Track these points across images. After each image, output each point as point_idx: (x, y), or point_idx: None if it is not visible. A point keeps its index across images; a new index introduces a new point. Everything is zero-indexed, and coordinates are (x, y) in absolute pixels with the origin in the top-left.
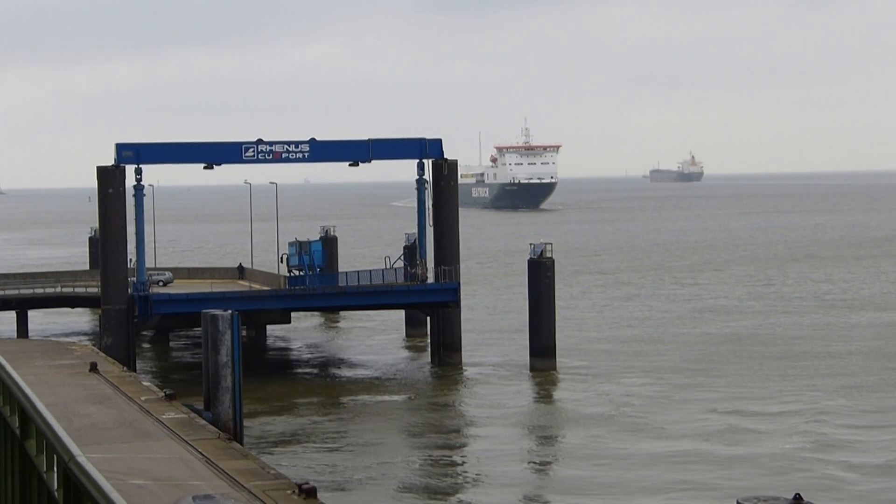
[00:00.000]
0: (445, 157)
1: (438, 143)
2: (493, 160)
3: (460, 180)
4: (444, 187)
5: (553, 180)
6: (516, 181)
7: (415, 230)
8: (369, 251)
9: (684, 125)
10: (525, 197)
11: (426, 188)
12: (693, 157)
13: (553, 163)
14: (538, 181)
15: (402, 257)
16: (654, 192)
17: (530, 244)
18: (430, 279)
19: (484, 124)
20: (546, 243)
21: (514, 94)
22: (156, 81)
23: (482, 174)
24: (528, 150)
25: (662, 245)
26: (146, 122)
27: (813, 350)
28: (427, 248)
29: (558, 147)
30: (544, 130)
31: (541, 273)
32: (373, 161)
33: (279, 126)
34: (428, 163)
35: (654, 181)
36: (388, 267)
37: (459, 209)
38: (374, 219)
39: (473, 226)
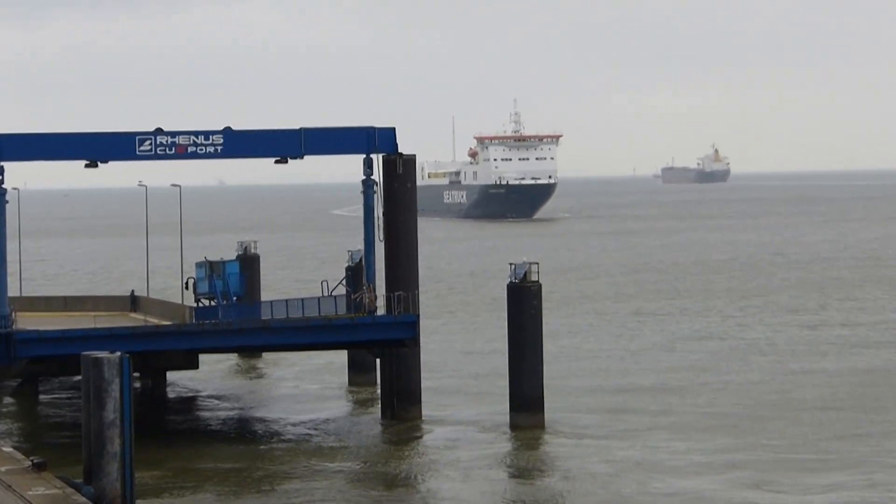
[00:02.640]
0: (401, 150)
1: (391, 132)
2: (473, 154)
3: (428, 181)
4: (398, 190)
5: (552, 180)
6: (503, 181)
7: (361, 246)
8: (301, 274)
9: (706, 111)
10: (515, 202)
11: (375, 192)
12: (717, 151)
13: (552, 158)
14: (532, 181)
15: (344, 282)
16: (668, 195)
17: (510, 264)
18: (381, 310)
19: (460, 108)
20: (531, 263)
21: (500, 70)
22: (29, 53)
23: (458, 173)
24: (520, 141)
25: (683, 265)
26: (19, 106)
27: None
28: (377, 270)
29: (558, 137)
30: (538, 116)
31: (524, 301)
32: (306, 157)
33: (187, 112)
34: (378, 158)
35: (668, 181)
36: (325, 294)
37: (428, 219)
38: (308, 231)
39: (442, 240)
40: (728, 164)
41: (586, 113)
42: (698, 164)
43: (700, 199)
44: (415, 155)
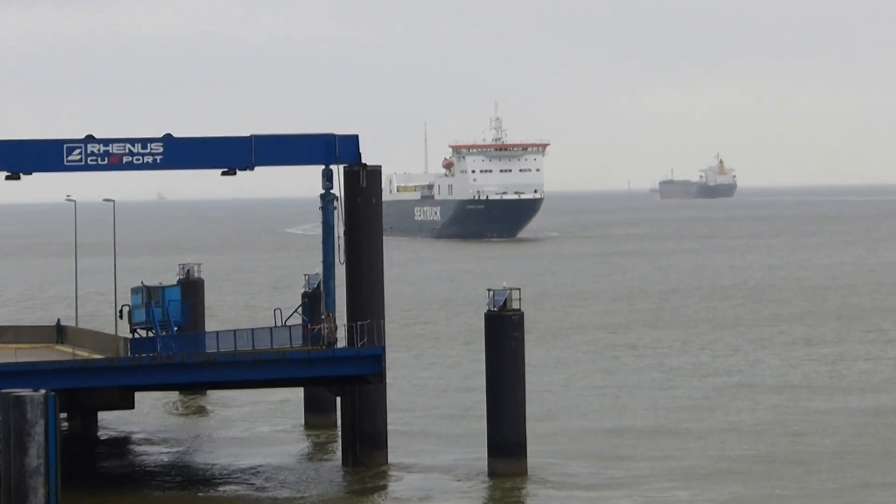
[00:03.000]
0: (365, 161)
1: (353, 140)
2: (448, 166)
3: (397, 195)
4: (362, 206)
5: (537, 195)
6: (483, 196)
7: (319, 270)
8: (251, 300)
9: (709, 116)
10: (496, 220)
11: (336, 207)
12: (721, 162)
13: (537, 169)
14: (515, 196)
15: (300, 310)
16: (667, 211)
17: (489, 290)
18: (342, 342)
19: (433, 113)
20: (512, 289)
21: (478, 69)
22: None
23: (430, 186)
24: (501, 150)
25: (684, 291)
26: None
27: None
28: (337, 297)
29: (544, 146)
30: (522, 122)
31: (504, 332)
32: (257, 168)
33: (123, 116)
34: (339, 170)
35: (667, 196)
36: (279, 324)
37: (396, 238)
38: (260, 252)
39: (411, 263)
40: (734, 176)
41: (576, 118)
42: (700, 176)
43: (703, 216)
44: (380, 166)
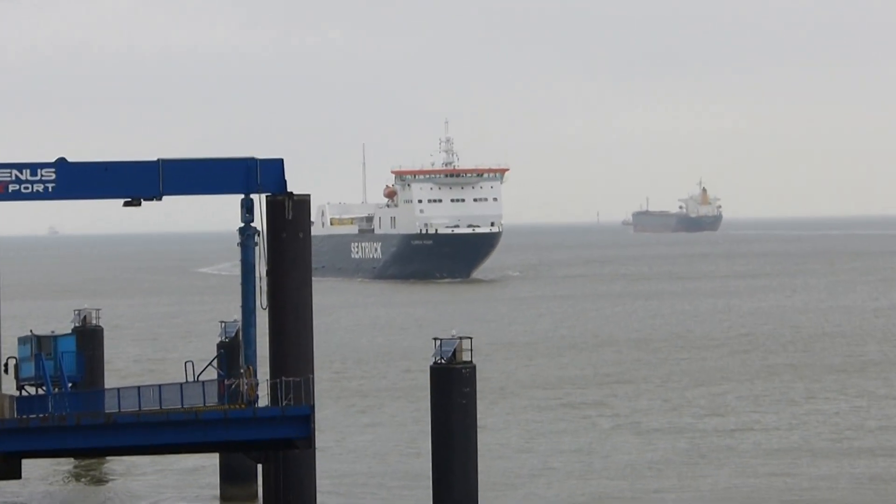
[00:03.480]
0: (291, 189)
1: (277, 165)
2: (391, 195)
3: (331, 229)
4: (288, 241)
5: (495, 228)
6: (431, 230)
7: (237, 316)
8: (158, 352)
9: (690, 136)
10: (446, 257)
11: (257, 243)
12: (704, 190)
13: (495, 199)
14: (469, 230)
15: (216, 362)
16: (643, 247)
17: (435, 340)
18: (263, 400)
19: (372, 134)
20: (463, 338)
21: (426, 82)
22: None
23: (370, 219)
24: (453, 176)
25: (663, 340)
26: None
27: None
28: (259, 347)
29: (503, 172)
30: (478, 144)
31: (453, 387)
32: (165, 197)
33: (11, 138)
34: (260, 200)
35: (642, 230)
36: (190, 380)
37: (330, 279)
38: (168, 296)
39: (347, 307)
40: (719, 207)
41: (538, 140)
42: (681, 207)
43: (684, 252)
44: (309, 195)
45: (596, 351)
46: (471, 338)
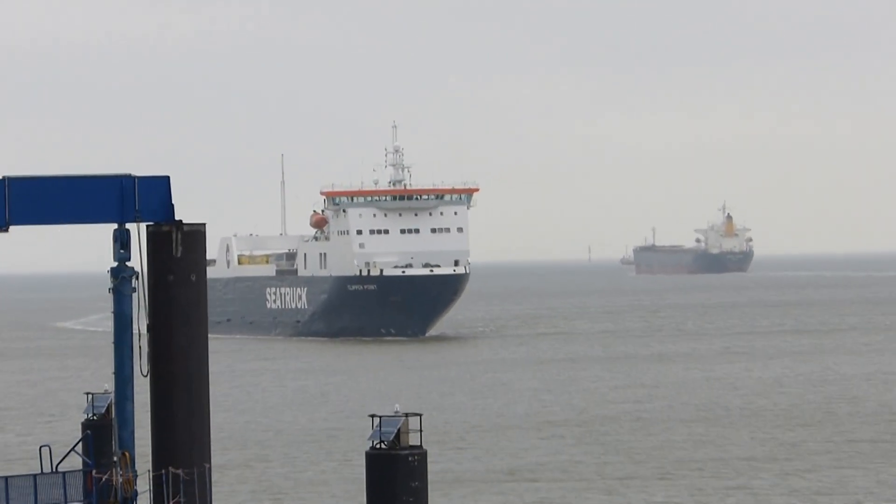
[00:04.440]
0: (180, 217)
1: (162, 185)
2: (320, 224)
3: (238, 269)
4: (176, 287)
5: (460, 269)
6: (376, 271)
7: (109, 386)
8: (4, 434)
9: (708, 154)
10: (397, 307)
11: (135, 289)
12: (730, 218)
13: (460, 229)
14: (427, 272)
15: (80, 447)
16: (647, 294)
17: (373, 417)
18: (143, 498)
19: (294, 142)
20: (410, 415)
21: (366, 76)
22: None
23: (292, 256)
24: (404, 199)
25: (673, 416)
26: None
27: None
28: (138, 428)
29: (471, 193)
30: (434, 156)
31: (396, 481)
32: (13, 228)
33: None
34: (139, 231)
35: (645, 270)
36: (46, 470)
37: (236, 337)
38: (15, 359)
39: (260, 374)
40: (749, 240)
41: (512, 151)
42: (698, 240)
43: (703, 301)
44: (204, 224)
45: (587, 431)
46: (420, 415)
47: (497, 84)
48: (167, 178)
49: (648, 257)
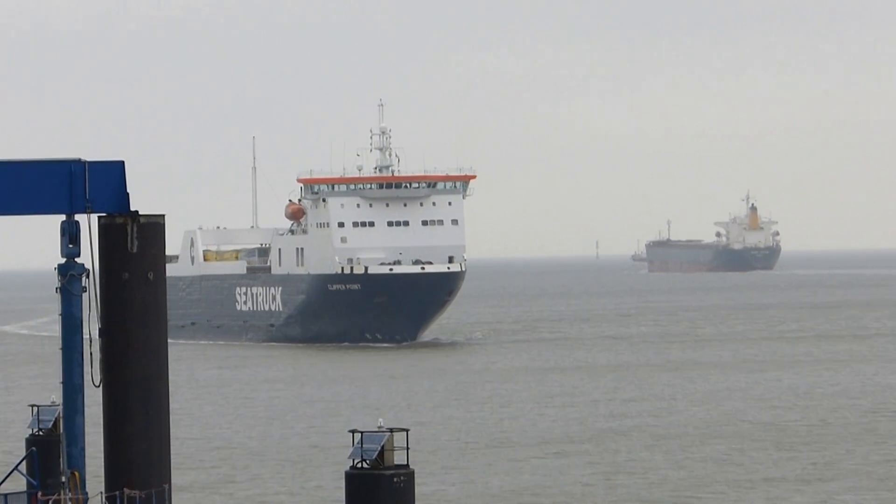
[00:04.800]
0: (136, 208)
1: (115, 170)
2: (296, 215)
3: (204, 266)
4: (131, 286)
5: (455, 267)
6: (360, 268)
7: (56, 397)
8: None
9: (729, 139)
10: (383, 309)
11: (85, 289)
12: (754, 209)
13: (455, 221)
14: (418, 269)
15: (24, 466)
16: (663, 294)
17: (353, 433)
18: None
19: (268, 125)
20: (395, 430)
21: (348, 51)
22: None
23: (264, 251)
24: (391, 187)
25: (694, 431)
26: None
27: None
28: (89, 444)
29: (467, 181)
30: (424, 140)
31: (377, 502)
32: None
33: None
34: (89, 223)
35: (659, 268)
36: None
37: (200, 343)
38: None
39: (227, 385)
40: (776, 234)
41: (513, 136)
42: (718, 234)
43: (724, 303)
44: (163, 215)
45: (596, 448)
46: (406, 430)
47: (499, 61)
48: (121, 164)
49: (663, 253)
